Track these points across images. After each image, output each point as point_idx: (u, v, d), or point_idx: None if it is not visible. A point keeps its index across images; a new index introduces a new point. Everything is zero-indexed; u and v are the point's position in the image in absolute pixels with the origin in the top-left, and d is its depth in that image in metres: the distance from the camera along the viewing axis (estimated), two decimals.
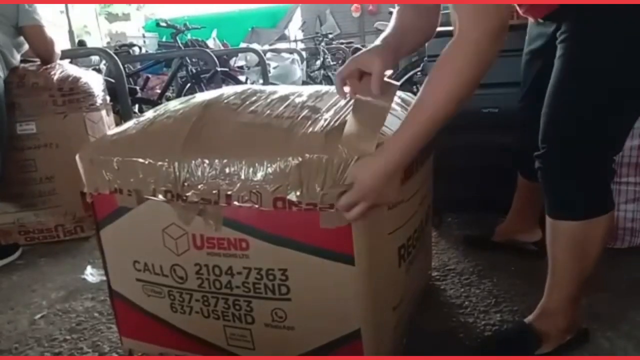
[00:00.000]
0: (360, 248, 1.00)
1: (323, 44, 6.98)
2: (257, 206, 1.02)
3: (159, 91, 4.61)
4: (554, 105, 1.08)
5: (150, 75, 4.85)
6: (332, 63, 6.75)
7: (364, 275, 1.02)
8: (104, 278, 1.82)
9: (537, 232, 1.71)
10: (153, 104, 3.61)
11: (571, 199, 1.10)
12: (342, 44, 7.94)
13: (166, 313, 1.18)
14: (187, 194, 1.07)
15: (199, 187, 1.06)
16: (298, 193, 0.98)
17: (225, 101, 1.20)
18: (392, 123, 1.06)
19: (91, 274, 1.90)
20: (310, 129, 1.03)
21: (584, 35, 1.03)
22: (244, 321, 1.10)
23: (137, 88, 3.79)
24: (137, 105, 3.46)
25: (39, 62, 2.23)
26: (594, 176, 1.09)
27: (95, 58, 4.45)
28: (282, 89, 1.24)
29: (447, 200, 1.84)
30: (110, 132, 1.25)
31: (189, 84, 4.21)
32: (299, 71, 5.39)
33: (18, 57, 2.17)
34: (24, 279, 1.94)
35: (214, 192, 1.05)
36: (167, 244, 1.12)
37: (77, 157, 1.20)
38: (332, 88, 1.25)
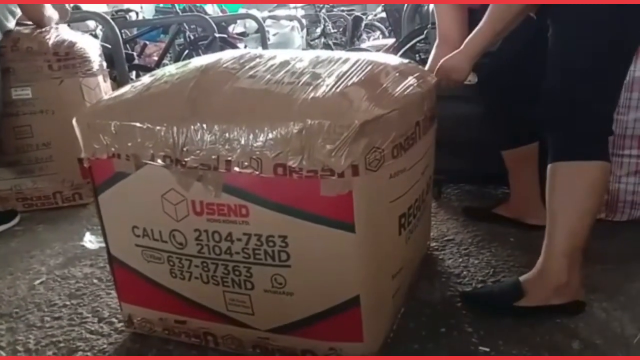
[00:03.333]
0: (361, 216, 0.99)
1: (324, 11, 6.84)
2: (257, 172, 1.01)
3: (156, 58, 4.54)
4: (555, 64, 1.21)
5: (147, 42, 4.76)
6: (332, 31, 6.64)
7: (364, 243, 1.02)
8: (103, 245, 1.82)
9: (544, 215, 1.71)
10: (150, 70, 3.55)
11: (573, 140, 1.21)
12: (343, 11, 7.79)
13: (165, 278, 1.18)
14: (186, 159, 1.05)
15: (198, 152, 1.04)
16: (299, 159, 0.96)
17: (224, 66, 1.17)
18: None
19: (90, 241, 1.91)
20: (312, 95, 1.00)
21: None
22: (243, 287, 1.10)
23: (134, 54, 3.73)
24: (134, 72, 3.40)
25: (33, 26, 2.18)
26: (594, 123, 1.20)
27: (91, 23, 4.35)
28: (281, 54, 1.21)
29: (447, 171, 1.83)
30: (107, 97, 1.23)
31: (186, 51, 4.14)
32: (298, 39, 5.30)
33: (13, 22, 2.11)
34: (23, 245, 1.94)
35: (214, 157, 1.03)
36: (167, 209, 1.11)
37: (74, 121, 1.18)
38: (333, 53, 1.23)
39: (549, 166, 1.23)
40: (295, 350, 1.13)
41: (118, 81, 2.79)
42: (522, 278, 1.29)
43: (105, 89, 2.36)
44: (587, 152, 1.19)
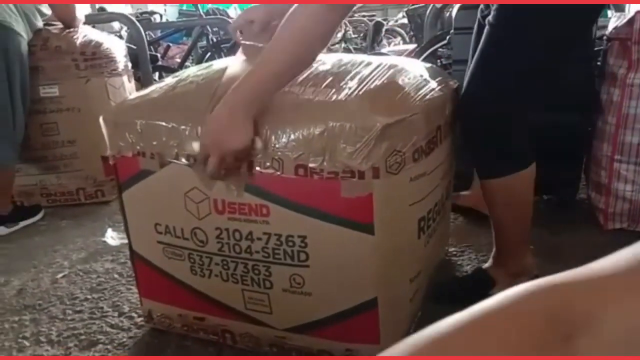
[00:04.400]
0: (381, 218, 1.00)
1: None
2: (278, 173, 1.02)
3: (178, 60, 4.61)
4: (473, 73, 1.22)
5: (170, 44, 4.84)
6: (353, 36, 6.65)
7: (383, 246, 1.02)
8: (124, 241, 1.86)
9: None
10: (173, 72, 3.61)
11: (494, 160, 1.25)
12: (364, 16, 7.81)
13: (186, 275, 1.20)
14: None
15: None
16: (320, 160, 0.98)
17: (249, 67, 1.18)
18: None
19: (111, 237, 1.94)
20: (334, 97, 1.02)
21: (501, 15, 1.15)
22: (262, 286, 1.12)
23: (158, 56, 3.79)
24: (157, 73, 3.46)
25: (61, 26, 2.24)
26: (512, 138, 1.22)
27: (116, 25, 4.44)
28: None
29: (467, 178, 1.83)
30: (133, 96, 1.26)
31: (209, 54, 4.19)
32: None
33: (41, 21, 2.17)
34: (46, 240, 1.99)
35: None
36: (189, 207, 1.13)
37: (100, 119, 1.21)
38: (355, 57, 1.24)
39: (482, 182, 1.29)
40: (312, 350, 1.14)
41: (142, 82, 2.84)
42: (485, 267, 1.40)
43: (129, 89, 2.41)
44: (522, 163, 1.25)
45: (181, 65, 3.98)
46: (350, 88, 1.03)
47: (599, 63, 1.93)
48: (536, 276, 1.35)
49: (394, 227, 1.04)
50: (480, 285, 1.36)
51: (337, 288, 1.06)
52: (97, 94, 2.21)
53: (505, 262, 1.36)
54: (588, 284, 0.29)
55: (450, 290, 1.38)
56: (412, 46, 3.25)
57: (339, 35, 6.65)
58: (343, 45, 6.33)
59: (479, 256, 1.64)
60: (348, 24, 6.78)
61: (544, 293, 0.30)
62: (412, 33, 4.93)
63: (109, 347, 1.31)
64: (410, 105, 1.01)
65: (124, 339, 1.33)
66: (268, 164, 1.02)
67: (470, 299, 1.21)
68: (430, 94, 1.11)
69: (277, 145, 1.01)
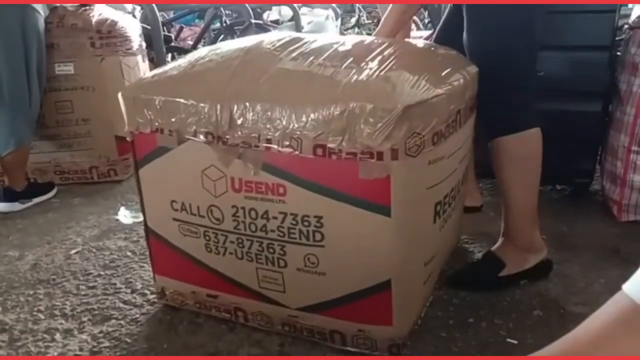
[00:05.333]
0: (398, 200, 0.99)
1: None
2: (297, 152, 1.02)
3: (190, 42, 4.58)
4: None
5: (183, 26, 4.82)
6: (367, 21, 6.58)
7: (399, 228, 1.02)
8: (137, 220, 1.88)
9: (478, 198, 1.85)
10: (187, 53, 3.60)
11: (509, 116, 1.30)
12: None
13: (201, 253, 1.21)
14: (228, 137, 1.07)
15: (240, 130, 1.06)
16: (339, 141, 0.97)
17: (267, 47, 1.18)
18: None
19: (124, 216, 1.95)
20: (355, 77, 1.01)
21: None
22: (276, 264, 1.12)
23: (172, 36, 3.77)
24: (170, 54, 3.45)
25: (77, 4, 2.23)
26: (526, 95, 1.29)
27: (128, 6, 4.42)
28: (323, 38, 1.22)
29: (479, 165, 1.82)
30: (152, 73, 1.26)
31: (222, 36, 4.17)
32: (333, 28, 5.28)
33: None
34: (60, 217, 2.00)
35: (255, 136, 1.05)
36: (206, 185, 1.13)
37: (119, 95, 1.21)
38: (376, 39, 1.23)
39: (491, 143, 1.32)
40: (324, 330, 1.15)
41: (155, 62, 2.83)
42: (494, 249, 1.41)
43: (143, 69, 2.41)
44: (534, 121, 1.29)
45: (194, 47, 3.96)
46: (371, 69, 1.03)
47: (619, 52, 1.90)
48: (548, 260, 1.37)
49: (411, 210, 1.03)
50: (489, 269, 1.37)
51: (351, 269, 1.07)
52: (111, 73, 2.21)
53: (514, 237, 1.37)
54: None
55: (461, 276, 1.38)
56: (426, 33, 3.21)
57: (353, 20, 6.60)
58: (356, 30, 6.28)
59: (491, 244, 1.63)
60: (362, 9, 6.71)
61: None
62: (427, 20, 4.87)
63: (121, 322, 1.32)
64: (431, 88, 1.01)
65: (137, 315, 1.35)
66: (286, 142, 1.02)
67: (479, 283, 1.24)
68: (451, 77, 1.10)
69: (296, 125, 1.00)
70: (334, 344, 1.15)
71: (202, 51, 1.27)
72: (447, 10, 1.60)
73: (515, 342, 1.18)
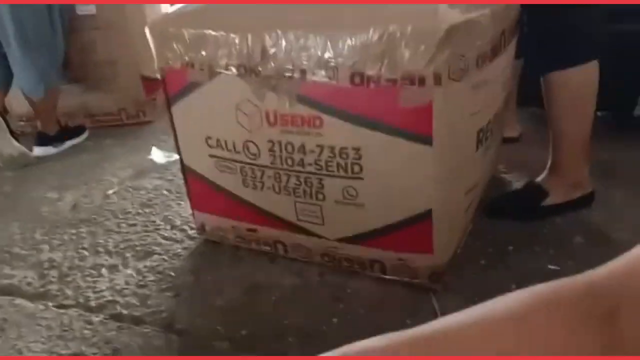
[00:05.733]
0: (440, 128, 0.96)
1: None
2: (333, 82, 0.99)
3: None
4: None
5: None
6: None
7: (441, 157, 1.00)
8: (170, 159, 1.89)
9: (516, 128, 1.80)
10: None
11: (560, 51, 1.23)
12: None
13: (238, 188, 1.21)
14: (261, 69, 1.04)
15: (273, 61, 1.03)
16: (378, 67, 0.93)
17: None
18: None
19: (157, 155, 1.97)
20: None
21: None
22: (314, 198, 1.12)
23: None
24: None
25: None
26: (582, 28, 1.21)
27: None
28: None
29: (519, 92, 1.75)
30: (179, 5, 1.21)
31: None
32: None
33: None
34: (93, 158, 2.03)
35: (289, 66, 1.02)
36: (240, 120, 1.12)
37: (146, 29, 1.18)
38: None
39: (545, 77, 1.26)
40: (363, 259, 1.16)
41: None
42: (539, 179, 1.38)
43: (165, 6, 2.34)
44: (583, 56, 1.22)
45: None
46: None
47: None
48: (592, 192, 1.33)
49: (453, 139, 1.00)
50: (532, 198, 1.35)
51: (391, 200, 1.06)
52: (133, 11, 2.16)
53: (562, 172, 1.33)
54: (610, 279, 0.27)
55: (502, 204, 1.36)
56: None
57: None
58: None
59: (529, 174, 1.60)
60: None
61: (568, 282, 0.28)
62: None
63: (164, 257, 1.36)
64: (475, 6, 0.95)
65: (179, 250, 1.38)
66: (322, 72, 0.99)
67: (521, 212, 1.21)
68: None
69: (331, 52, 0.97)
70: (373, 273, 1.17)
71: None
72: None
73: (558, 268, 1.17)
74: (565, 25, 1.20)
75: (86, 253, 1.41)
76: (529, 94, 1.88)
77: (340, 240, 1.16)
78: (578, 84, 1.24)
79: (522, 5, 1.20)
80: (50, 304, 1.21)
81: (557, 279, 0.29)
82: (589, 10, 1.20)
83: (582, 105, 1.26)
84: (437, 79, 0.91)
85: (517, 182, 1.56)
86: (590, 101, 1.27)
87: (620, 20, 1.68)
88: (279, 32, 1.01)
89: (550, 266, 1.18)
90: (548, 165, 1.37)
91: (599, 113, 1.93)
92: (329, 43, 0.97)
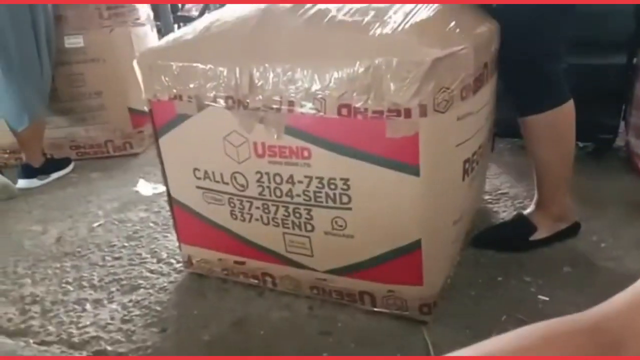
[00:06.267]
0: (427, 158, 0.97)
1: None
2: (321, 113, 0.99)
3: (196, 12, 4.50)
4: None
5: None
6: None
7: (429, 187, 1.00)
8: (157, 191, 1.88)
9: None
10: (194, 21, 3.53)
11: (538, 95, 1.25)
12: None
13: (226, 220, 1.20)
14: (249, 101, 1.05)
15: (261, 93, 1.03)
16: (364, 99, 0.95)
17: (284, 5, 1.14)
18: None
19: (144, 187, 1.95)
20: (379, 31, 0.97)
21: None
22: (303, 229, 1.12)
23: (179, 5, 3.70)
24: (176, 25, 3.39)
25: None
26: (553, 73, 1.24)
27: None
28: None
29: (501, 125, 1.78)
30: (167, 38, 1.23)
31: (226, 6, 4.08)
32: None
33: None
34: (79, 191, 2.01)
35: (277, 98, 1.03)
36: (228, 151, 1.12)
37: (134, 62, 1.19)
38: None
39: (524, 120, 1.28)
40: (353, 291, 1.15)
41: (162, 32, 2.79)
42: (526, 213, 1.40)
43: (153, 39, 2.37)
44: (563, 97, 1.26)
45: (201, 15, 3.89)
46: (395, 22, 0.99)
47: None
48: (577, 223, 1.35)
49: (440, 169, 1.01)
50: (521, 231, 1.35)
51: (380, 230, 1.06)
52: (121, 44, 2.18)
53: (547, 205, 1.35)
54: (616, 314, 0.28)
55: (491, 236, 1.37)
56: None
57: None
58: None
59: (515, 203, 1.62)
60: None
61: (576, 318, 0.29)
62: None
63: (150, 291, 1.33)
64: (459, 40, 0.97)
65: (165, 284, 1.35)
66: (309, 104, 1.00)
67: (510, 244, 1.22)
68: (477, 29, 1.07)
69: (319, 85, 0.98)
70: (364, 305, 1.15)
71: (216, 14, 1.23)
72: None
73: (547, 298, 1.17)
74: (539, 74, 1.23)
75: (70, 287, 1.38)
76: (509, 125, 1.93)
77: (329, 272, 1.15)
78: (557, 123, 1.27)
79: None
80: (31, 340, 1.18)
81: (568, 315, 0.29)
82: (558, 56, 1.24)
83: (562, 142, 1.29)
84: (423, 111, 0.93)
85: (503, 213, 1.57)
86: (570, 138, 1.30)
87: (590, 54, 1.73)
88: (267, 65, 1.02)
89: (540, 296, 1.18)
90: (534, 201, 1.39)
91: (580, 144, 1.99)
92: (316, 76, 0.98)
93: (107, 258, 1.51)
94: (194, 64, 1.09)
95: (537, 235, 1.35)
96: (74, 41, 2.12)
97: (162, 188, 1.29)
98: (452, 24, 1.00)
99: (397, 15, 1.00)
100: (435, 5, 1.06)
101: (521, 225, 1.37)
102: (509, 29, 1.19)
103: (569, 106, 1.27)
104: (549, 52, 1.23)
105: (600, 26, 1.77)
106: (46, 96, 2.04)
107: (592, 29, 1.77)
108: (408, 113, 0.93)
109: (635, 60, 1.84)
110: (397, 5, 1.06)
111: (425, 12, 1.02)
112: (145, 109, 1.23)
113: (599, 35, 1.77)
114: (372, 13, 1.03)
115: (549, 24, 1.21)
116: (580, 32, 1.70)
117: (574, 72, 1.29)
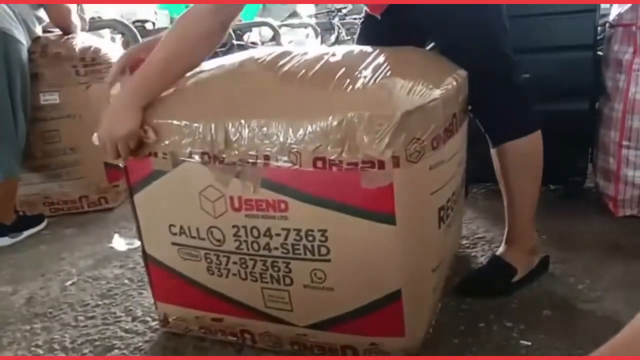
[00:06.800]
0: (402, 208, 0.98)
1: (337, 18, 6.86)
2: (296, 166, 1.00)
3: None
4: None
5: None
6: (346, 38, 6.66)
7: (405, 236, 1.01)
8: (132, 247, 1.85)
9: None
10: None
11: (511, 122, 1.32)
12: (355, 19, 7.81)
13: (203, 276, 1.18)
14: (224, 156, 1.06)
15: (237, 148, 1.04)
16: (339, 152, 0.96)
17: (259, 61, 1.17)
18: None
19: (118, 243, 1.92)
20: (350, 87, 1.00)
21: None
22: (282, 283, 1.10)
23: None
24: None
25: (59, 32, 2.21)
26: (525, 100, 1.32)
27: (104, 33, 4.40)
28: (313, 50, 1.21)
29: (473, 170, 1.82)
30: None
31: None
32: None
33: (40, 28, 2.15)
34: (52, 248, 1.96)
35: (252, 153, 1.03)
36: (204, 206, 1.11)
37: None
38: (366, 48, 1.23)
39: (496, 149, 1.35)
40: (335, 346, 1.12)
41: None
42: (500, 254, 1.42)
43: None
44: (535, 124, 1.32)
45: None
46: (365, 77, 1.02)
47: (600, 52, 1.93)
48: (546, 256, 1.37)
49: (416, 217, 1.02)
50: (502, 274, 1.37)
51: (359, 281, 1.05)
52: (98, 100, 2.17)
53: (518, 240, 1.39)
54: None
55: (473, 284, 1.37)
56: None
57: (332, 37, 6.66)
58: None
59: (492, 247, 1.63)
60: (341, 27, 6.78)
61: None
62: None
63: (124, 351, 1.28)
64: (427, 93, 1.00)
65: (140, 343, 1.31)
66: (285, 157, 1.01)
67: (494, 291, 1.23)
68: (444, 81, 1.11)
69: (294, 139, 0.99)
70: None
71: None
72: (361, 23, 1.54)
73: (529, 343, 1.16)
74: (514, 98, 1.30)
75: (40, 351, 1.32)
76: (482, 170, 1.97)
77: (310, 327, 1.13)
78: (528, 150, 1.33)
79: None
80: None
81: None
82: (518, 65, 1.31)
83: (533, 168, 1.35)
84: (396, 162, 0.94)
85: (481, 257, 1.58)
86: (539, 165, 1.35)
87: (557, 100, 1.81)
88: (242, 120, 1.03)
89: (522, 341, 1.17)
90: (504, 238, 1.42)
91: (552, 187, 2.04)
92: (290, 130, 0.99)
93: (79, 318, 1.45)
94: (169, 121, 1.10)
95: (518, 277, 1.36)
96: (49, 98, 2.12)
97: (137, 243, 1.27)
98: (420, 78, 1.04)
99: (367, 71, 1.04)
100: (404, 60, 1.10)
101: (501, 269, 1.38)
102: (464, 41, 1.24)
103: (538, 135, 1.34)
104: (508, 58, 1.29)
105: (563, 75, 1.86)
106: (20, 154, 2.02)
107: (555, 77, 1.86)
108: (382, 164, 0.95)
109: (597, 105, 1.93)
110: (368, 61, 1.09)
111: (394, 67, 1.06)
112: (121, 165, 1.22)
113: (564, 83, 1.86)
114: (343, 69, 1.07)
115: (494, 22, 1.26)
116: (545, 80, 1.81)
117: (543, 117, 1.35)
